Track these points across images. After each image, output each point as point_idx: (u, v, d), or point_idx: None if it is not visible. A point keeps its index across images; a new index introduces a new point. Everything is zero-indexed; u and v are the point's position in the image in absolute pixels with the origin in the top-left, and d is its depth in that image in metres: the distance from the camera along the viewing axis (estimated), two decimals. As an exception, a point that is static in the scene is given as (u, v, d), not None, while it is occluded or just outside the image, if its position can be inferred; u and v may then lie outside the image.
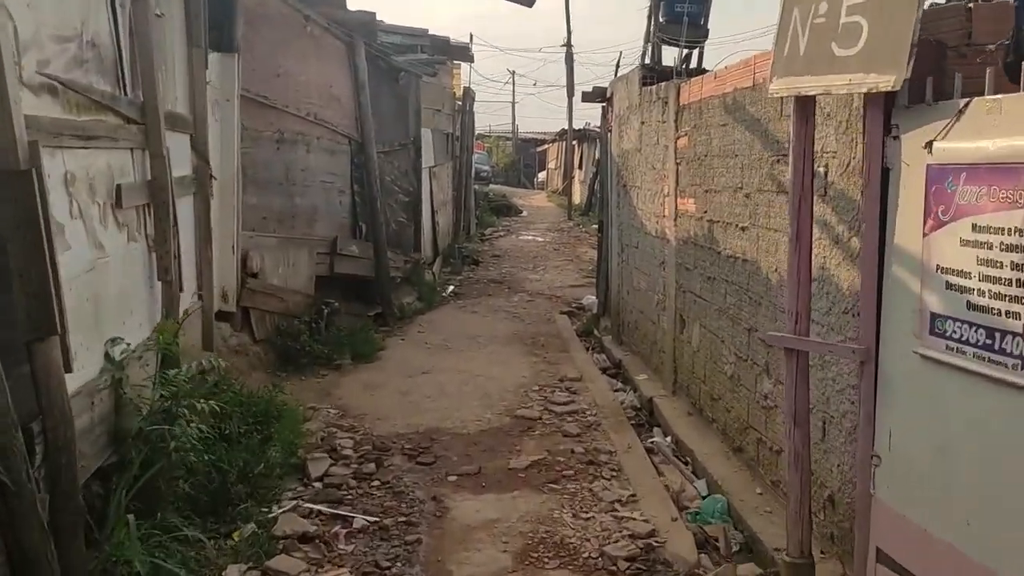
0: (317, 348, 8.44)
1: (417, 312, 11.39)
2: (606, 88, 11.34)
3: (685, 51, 10.36)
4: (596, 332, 11.07)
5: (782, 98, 4.57)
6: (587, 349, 10.15)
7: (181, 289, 5.60)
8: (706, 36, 11.74)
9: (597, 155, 30.74)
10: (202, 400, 4.55)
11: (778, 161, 4.97)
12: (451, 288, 13.39)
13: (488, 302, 12.58)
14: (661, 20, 11.58)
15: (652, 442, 6.50)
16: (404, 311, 11.07)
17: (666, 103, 7.53)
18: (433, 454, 5.97)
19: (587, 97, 11.81)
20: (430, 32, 13.65)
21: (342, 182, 9.94)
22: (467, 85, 19.38)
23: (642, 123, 8.51)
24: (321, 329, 8.89)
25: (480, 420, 6.81)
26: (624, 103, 9.46)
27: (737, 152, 5.70)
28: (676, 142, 7.25)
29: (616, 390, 8.18)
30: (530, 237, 21.96)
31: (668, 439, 6.60)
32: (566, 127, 38.50)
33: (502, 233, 22.15)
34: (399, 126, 12.08)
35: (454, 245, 16.43)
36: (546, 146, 48.61)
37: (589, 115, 31.23)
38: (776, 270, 4.99)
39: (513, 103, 54.33)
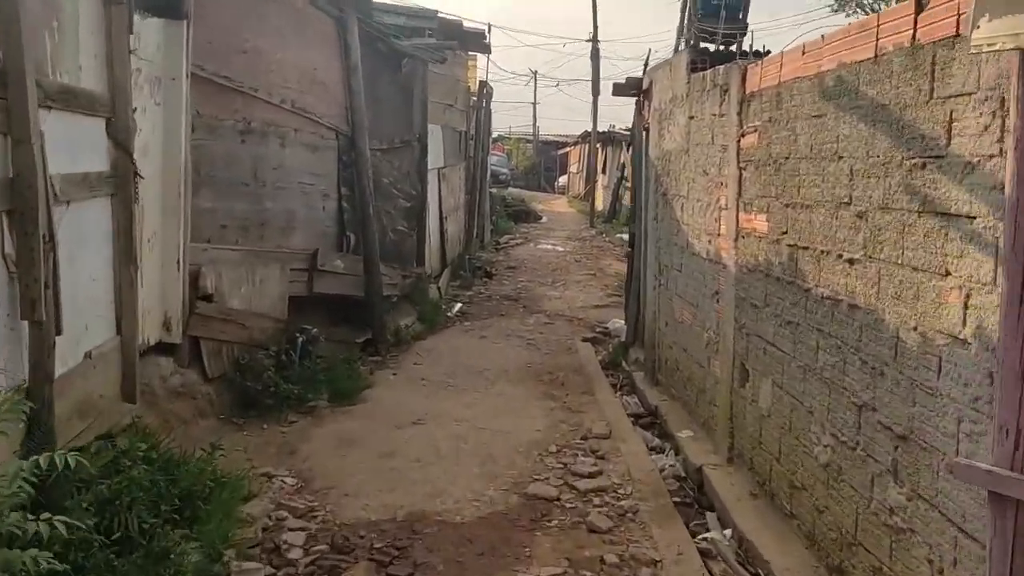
0: (286, 388, 6.87)
1: (416, 336, 9.80)
2: (641, 79, 9.73)
3: (722, 47, 8.89)
4: (625, 364, 9.45)
5: (934, 72, 2.93)
6: (615, 388, 8.52)
7: (59, 331, 4.02)
8: (745, 31, 10.26)
9: (622, 159, 29.08)
10: (40, 518, 2.96)
11: (923, 166, 3.32)
12: (458, 307, 11.78)
13: (500, 324, 10.97)
14: (698, 12, 10.13)
15: (708, 540, 4.86)
16: (401, 336, 9.48)
17: (726, 91, 5.90)
18: (411, 560, 4.35)
19: (619, 90, 10.18)
20: (440, 15, 12.03)
21: (326, 184, 8.36)
22: (483, 79, 17.78)
23: (691, 118, 6.87)
24: (294, 362, 7.33)
25: (479, 500, 5.19)
26: (666, 94, 7.82)
27: (842, 153, 4.05)
28: (740, 140, 5.61)
29: (653, 448, 6.55)
30: (549, 246, 20.33)
31: (728, 533, 4.96)
32: (589, 129, 36.93)
33: (519, 241, 20.53)
34: (401, 120, 10.51)
35: (465, 256, 14.85)
36: (568, 149, 46.95)
37: (614, 116, 29.56)
38: (917, 329, 3.34)
39: (535, 104, 52.76)
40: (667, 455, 6.44)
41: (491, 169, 22.22)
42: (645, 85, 8.75)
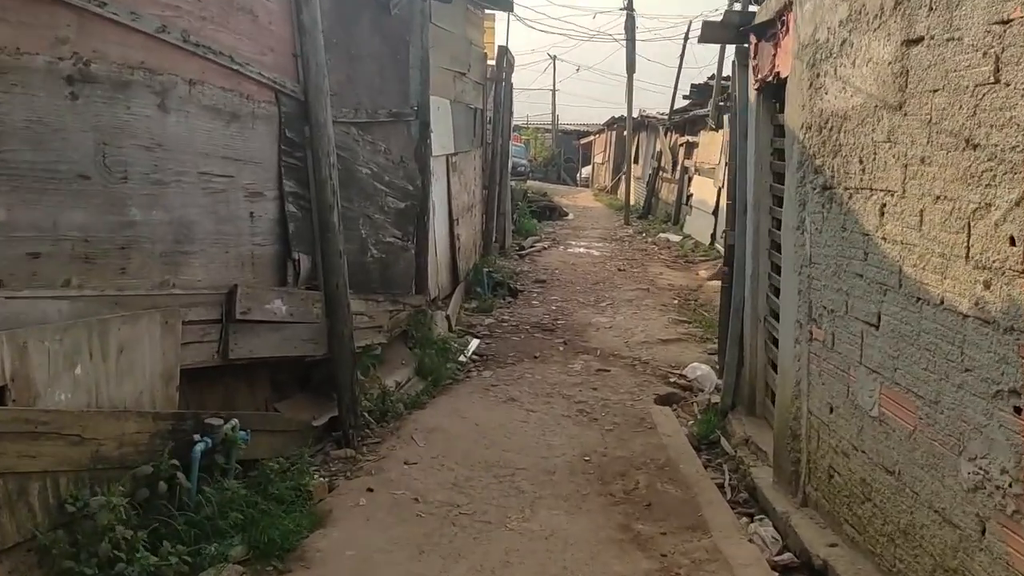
0: (145, 559, 3.64)
1: (413, 403, 6.54)
2: (751, 13, 6.43)
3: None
4: (726, 443, 6.22)
5: None
6: (727, 496, 5.29)
7: None
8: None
9: (658, 147, 25.70)
10: None
11: None
12: (474, 345, 8.49)
13: (534, 374, 7.70)
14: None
15: None
16: (388, 406, 6.22)
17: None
18: None
19: (711, 34, 6.85)
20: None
21: (256, 176, 5.09)
22: (503, 44, 14.43)
23: (910, 42, 3.58)
24: (186, 492, 4.13)
25: None
26: (831, 15, 4.50)
27: None
28: None
29: None
30: (582, 249, 17.03)
31: None
32: (616, 115, 33.54)
33: (546, 244, 17.21)
34: (390, 85, 7.27)
35: (482, 267, 11.58)
36: (591, 138, 43.53)
37: (643, 101, 26.12)
38: None
39: (554, 90, 49.45)
40: None
41: (511, 160, 18.98)
42: (776, 8, 5.42)
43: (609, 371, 7.84)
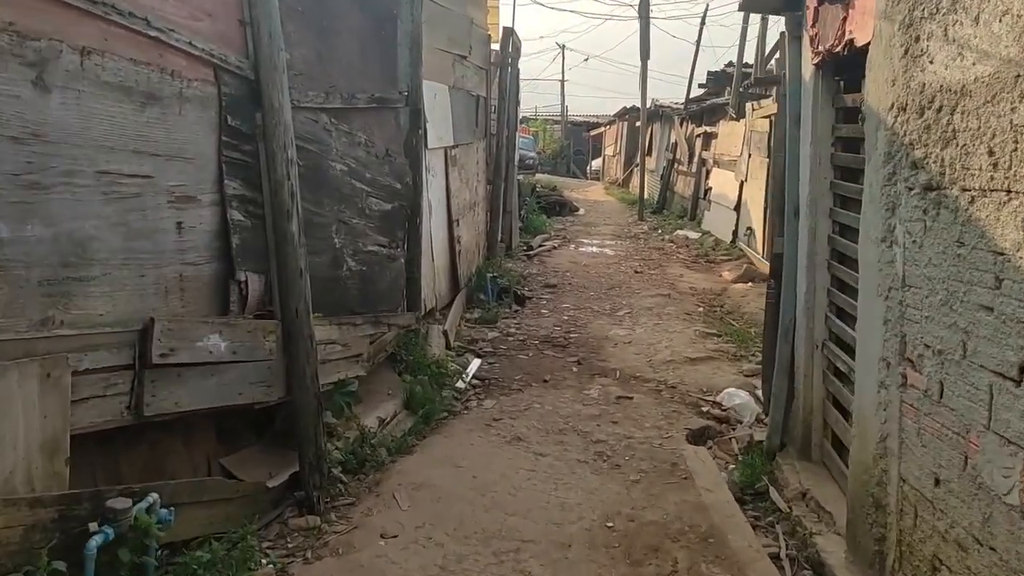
0: None
1: (398, 448, 5.41)
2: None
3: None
4: (777, 496, 5.09)
5: None
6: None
7: None
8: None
9: (672, 138, 24.47)
10: None
11: None
12: (474, 367, 7.37)
13: (543, 404, 6.58)
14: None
15: None
16: (366, 453, 5.11)
17: None
18: None
19: (753, 1, 5.72)
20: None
21: (185, 175, 3.97)
22: (509, 26, 13.24)
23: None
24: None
25: None
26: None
27: None
28: None
29: None
30: (595, 248, 15.89)
31: None
32: (628, 105, 32.33)
33: (556, 243, 16.07)
34: (373, 66, 6.16)
35: (485, 272, 10.46)
36: (602, 129, 42.28)
37: (657, 90, 24.82)
38: None
39: (563, 80, 48.25)
40: None
41: (518, 152, 17.83)
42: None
43: (631, 398, 6.71)
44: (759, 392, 6.91)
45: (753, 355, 7.92)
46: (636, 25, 22.04)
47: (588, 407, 6.51)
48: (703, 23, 22.51)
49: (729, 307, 10.59)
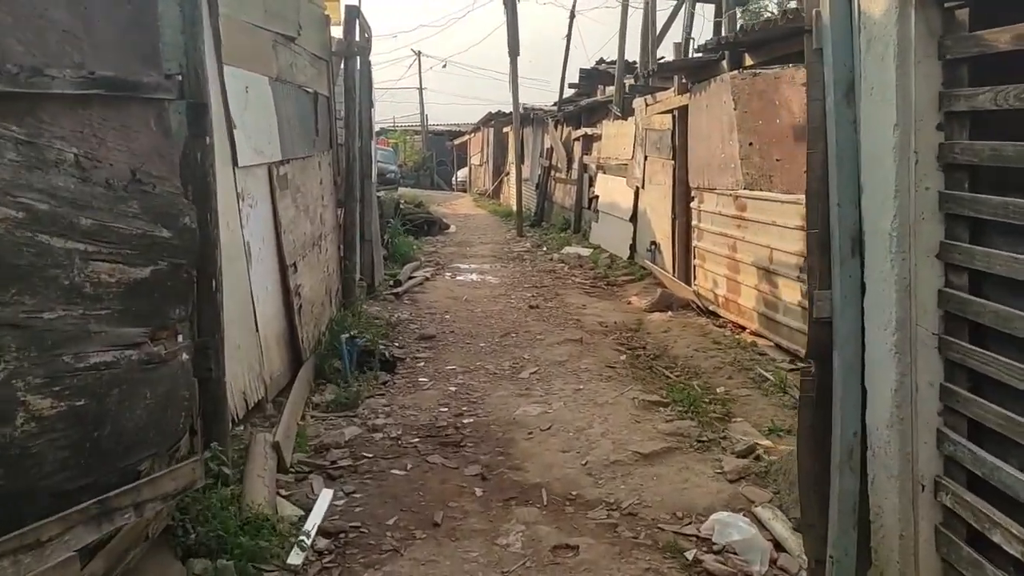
0: None
1: None
2: None
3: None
4: None
5: None
6: None
7: None
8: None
9: (547, 143, 22.36)
10: None
11: None
12: (321, 510, 4.62)
13: None
14: None
15: None
16: None
17: None
18: None
19: None
20: None
21: None
22: (356, 4, 10.37)
23: None
24: None
25: None
26: None
27: None
28: None
29: None
30: (474, 275, 13.41)
31: None
32: (492, 111, 30.20)
33: (428, 272, 13.42)
34: (106, 30, 3.45)
35: (341, 330, 7.73)
36: (466, 137, 39.95)
37: (526, 94, 22.63)
38: None
39: (421, 89, 45.80)
40: None
41: (377, 165, 15.11)
42: None
43: (575, 549, 4.23)
44: (760, 513, 4.61)
45: (724, 438, 5.66)
46: (500, 18, 19.79)
47: (511, 577, 3.97)
48: (572, 16, 20.55)
49: (653, 349, 8.37)
